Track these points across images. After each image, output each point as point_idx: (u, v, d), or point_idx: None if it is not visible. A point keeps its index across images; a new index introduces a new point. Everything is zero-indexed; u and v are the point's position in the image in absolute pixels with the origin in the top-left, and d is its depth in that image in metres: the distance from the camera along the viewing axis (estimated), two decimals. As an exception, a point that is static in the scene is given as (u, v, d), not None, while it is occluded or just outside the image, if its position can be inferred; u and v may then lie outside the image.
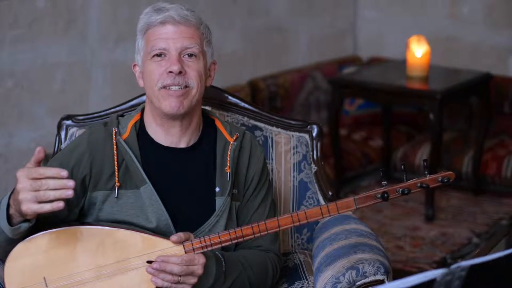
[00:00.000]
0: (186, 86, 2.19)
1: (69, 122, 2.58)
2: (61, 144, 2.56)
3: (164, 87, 2.18)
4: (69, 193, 1.93)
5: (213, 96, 2.62)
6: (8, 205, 2.02)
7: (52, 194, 1.92)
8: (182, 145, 2.27)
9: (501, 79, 4.88)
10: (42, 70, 3.77)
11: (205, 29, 2.26)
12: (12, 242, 2.07)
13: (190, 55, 2.20)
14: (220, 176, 2.27)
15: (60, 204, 1.93)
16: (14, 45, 3.65)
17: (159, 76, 2.19)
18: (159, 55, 2.20)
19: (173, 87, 2.18)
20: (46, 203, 1.93)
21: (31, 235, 2.08)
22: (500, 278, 1.63)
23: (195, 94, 2.21)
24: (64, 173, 1.93)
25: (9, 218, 2.03)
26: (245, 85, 4.68)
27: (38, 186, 1.92)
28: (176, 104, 2.19)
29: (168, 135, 2.26)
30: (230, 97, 2.66)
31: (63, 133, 2.58)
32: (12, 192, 2.02)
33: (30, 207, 1.94)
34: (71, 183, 1.93)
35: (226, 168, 2.27)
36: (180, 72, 2.18)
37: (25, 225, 2.03)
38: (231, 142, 2.30)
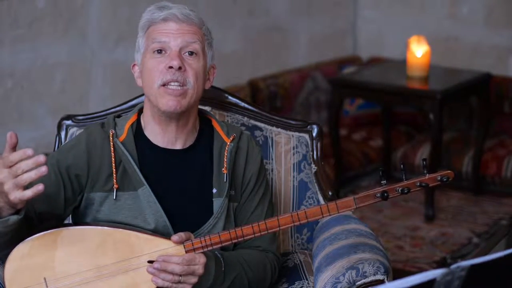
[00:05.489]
0: (184, 85, 2.18)
1: (69, 122, 2.58)
2: (61, 144, 2.56)
3: (164, 84, 2.18)
4: (43, 170, 1.89)
5: (213, 96, 2.62)
6: None
7: (28, 176, 1.90)
8: (179, 145, 2.27)
9: (501, 79, 4.88)
10: (42, 70, 3.77)
11: (206, 31, 2.27)
12: (4, 235, 2.04)
13: (191, 53, 2.20)
14: (217, 177, 2.27)
15: (40, 187, 1.90)
16: (14, 45, 3.65)
17: (159, 73, 2.18)
18: (159, 51, 2.20)
19: (172, 85, 2.18)
20: (27, 189, 1.91)
21: (31, 231, 2.08)
22: (500, 278, 1.63)
23: (192, 94, 2.20)
24: (29, 151, 1.89)
25: None
26: (245, 85, 4.69)
27: (15, 172, 1.90)
28: (174, 103, 2.18)
29: (165, 135, 2.26)
30: (230, 97, 2.66)
31: (63, 133, 2.58)
32: None
33: (15, 195, 1.91)
34: (41, 158, 1.90)
35: (223, 169, 2.27)
36: (180, 68, 2.17)
37: (14, 218, 1.99)
38: (228, 143, 2.30)
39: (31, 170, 1.90)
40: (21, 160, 1.90)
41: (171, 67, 2.17)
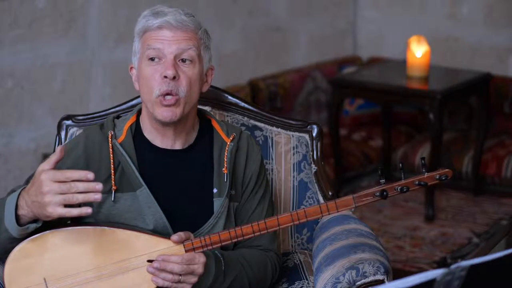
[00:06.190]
0: (176, 94, 2.17)
1: (69, 122, 2.58)
2: (61, 144, 2.56)
3: (161, 95, 2.17)
4: (97, 197, 1.93)
5: (213, 96, 2.62)
6: (16, 206, 2.02)
7: (81, 197, 1.93)
8: (178, 146, 2.27)
9: (501, 79, 4.88)
10: (42, 70, 3.77)
11: (203, 34, 2.25)
12: (14, 241, 2.07)
13: (186, 60, 2.20)
14: (217, 177, 2.27)
15: (89, 211, 1.94)
16: (14, 45, 3.65)
17: (155, 83, 2.17)
18: (153, 59, 2.19)
19: (168, 96, 2.17)
20: (74, 207, 1.93)
21: (33, 234, 2.08)
22: (500, 278, 1.63)
23: (186, 102, 2.19)
24: (91, 175, 1.93)
25: (17, 218, 2.02)
26: (245, 85, 4.68)
27: (67, 189, 1.92)
28: (169, 114, 2.18)
29: (164, 138, 2.26)
30: (230, 97, 2.66)
31: (63, 133, 2.58)
32: (20, 193, 2.02)
33: (56, 210, 1.93)
34: (99, 185, 1.94)
35: (224, 169, 2.27)
36: (174, 77, 2.17)
37: (33, 226, 2.03)
38: (228, 143, 2.30)
39: (84, 193, 1.92)
40: (79, 181, 1.92)
41: (166, 77, 2.17)
